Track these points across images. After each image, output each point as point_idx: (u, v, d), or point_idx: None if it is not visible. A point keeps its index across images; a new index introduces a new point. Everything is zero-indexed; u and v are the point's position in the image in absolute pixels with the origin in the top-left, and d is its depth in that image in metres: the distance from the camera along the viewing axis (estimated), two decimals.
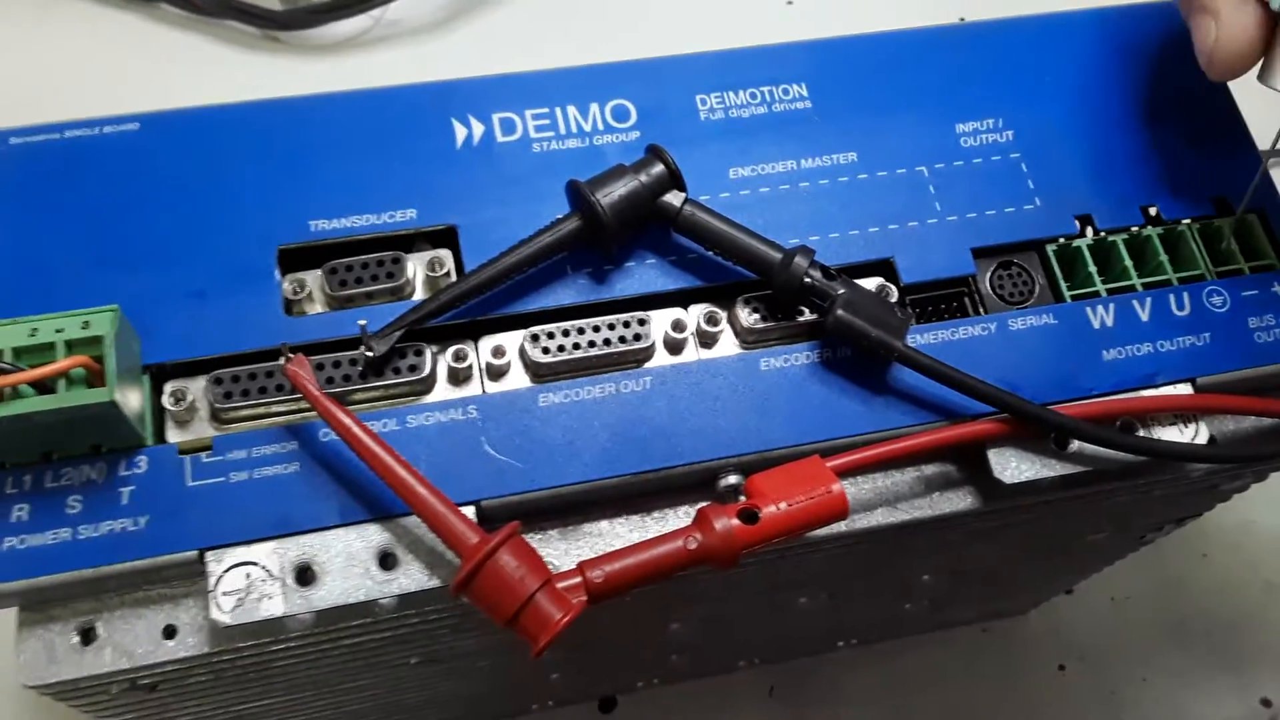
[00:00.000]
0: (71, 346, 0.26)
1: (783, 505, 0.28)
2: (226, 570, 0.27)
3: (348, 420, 0.27)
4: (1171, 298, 0.32)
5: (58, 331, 0.26)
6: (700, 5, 0.66)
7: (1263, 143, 0.34)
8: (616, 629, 0.36)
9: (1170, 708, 0.52)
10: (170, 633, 0.28)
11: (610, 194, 0.30)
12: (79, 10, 0.64)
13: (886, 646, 0.51)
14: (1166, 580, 0.54)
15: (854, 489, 0.31)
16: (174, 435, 0.28)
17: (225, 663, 0.29)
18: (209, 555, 0.27)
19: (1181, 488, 0.34)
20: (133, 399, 0.27)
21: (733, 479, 0.29)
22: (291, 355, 0.27)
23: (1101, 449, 0.30)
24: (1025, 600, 0.51)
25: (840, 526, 0.30)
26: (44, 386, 0.26)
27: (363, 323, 0.28)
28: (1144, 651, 0.53)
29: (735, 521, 0.27)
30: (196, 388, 0.29)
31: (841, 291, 0.30)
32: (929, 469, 0.31)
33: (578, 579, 0.26)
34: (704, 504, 0.28)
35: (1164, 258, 0.32)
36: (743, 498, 0.28)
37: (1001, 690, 0.51)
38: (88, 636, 0.27)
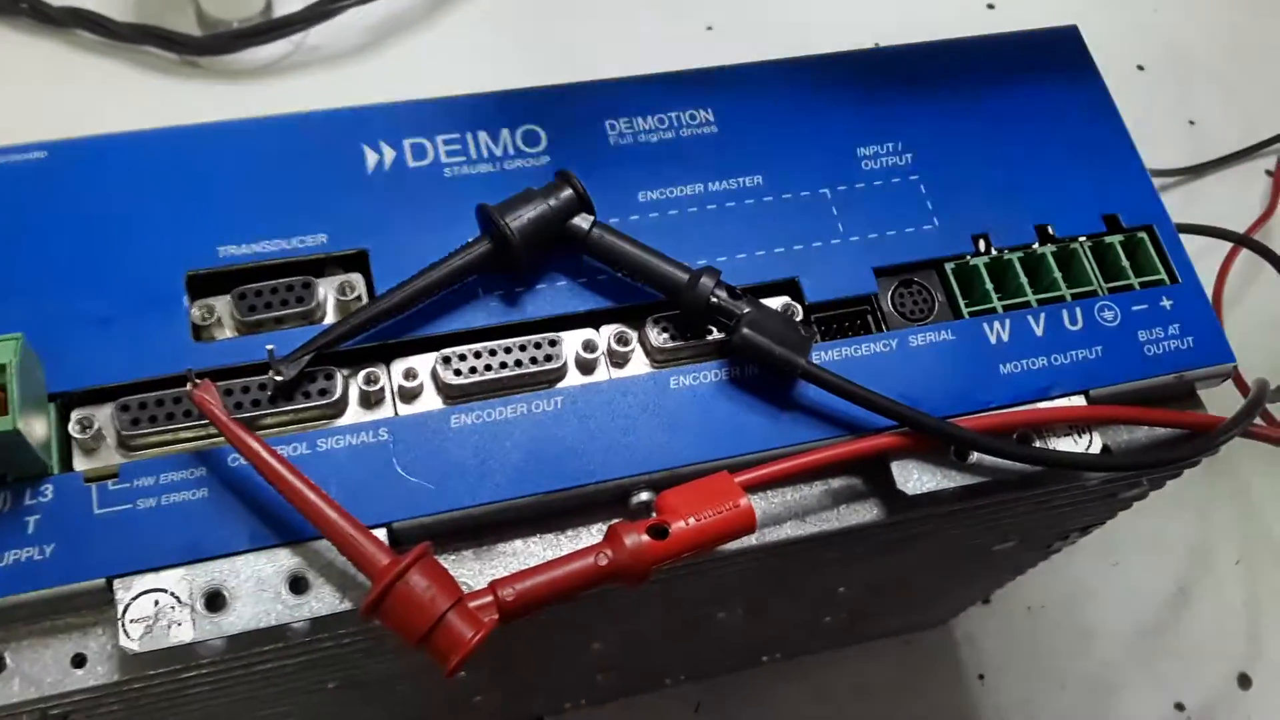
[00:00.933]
0: None
1: (692, 520, 0.28)
2: (134, 598, 0.27)
3: (255, 445, 0.27)
4: (1065, 313, 0.33)
5: None
6: (622, 33, 0.67)
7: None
8: (537, 649, 0.36)
9: (1087, 713, 0.53)
10: (80, 661, 0.27)
11: (519, 217, 0.30)
12: None
13: (810, 660, 0.52)
14: (1080, 589, 0.56)
15: (763, 503, 0.31)
16: (81, 463, 0.28)
17: (136, 691, 0.29)
18: (117, 583, 0.27)
19: (1080, 497, 0.35)
20: (37, 428, 0.27)
21: (644, 496, 0.30)
22: (198, 381, 0.28)
23: (1000, 460, 0.31)
24: (943, 611, 0.52)
25: (750, 540, 0.31)
26: None
27: (270, 347, 0.29)
28: (1061, 659, 0.54)
29: (645, 537, 0.28)
30: (104, 415, 0.29)
31: (747, 310, 0.30)
32: (835, 482, 0.32)
33: (489, 598, 0.27)
34: (614, 523, 0.28)
35: (1058, 274, 0.34)
36: (654, 514, 0.29)
37: (925, 701, 0.52)
38: None
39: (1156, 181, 0.67)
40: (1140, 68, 0.73)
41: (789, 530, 0.31)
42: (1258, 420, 0.34)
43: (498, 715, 0.47)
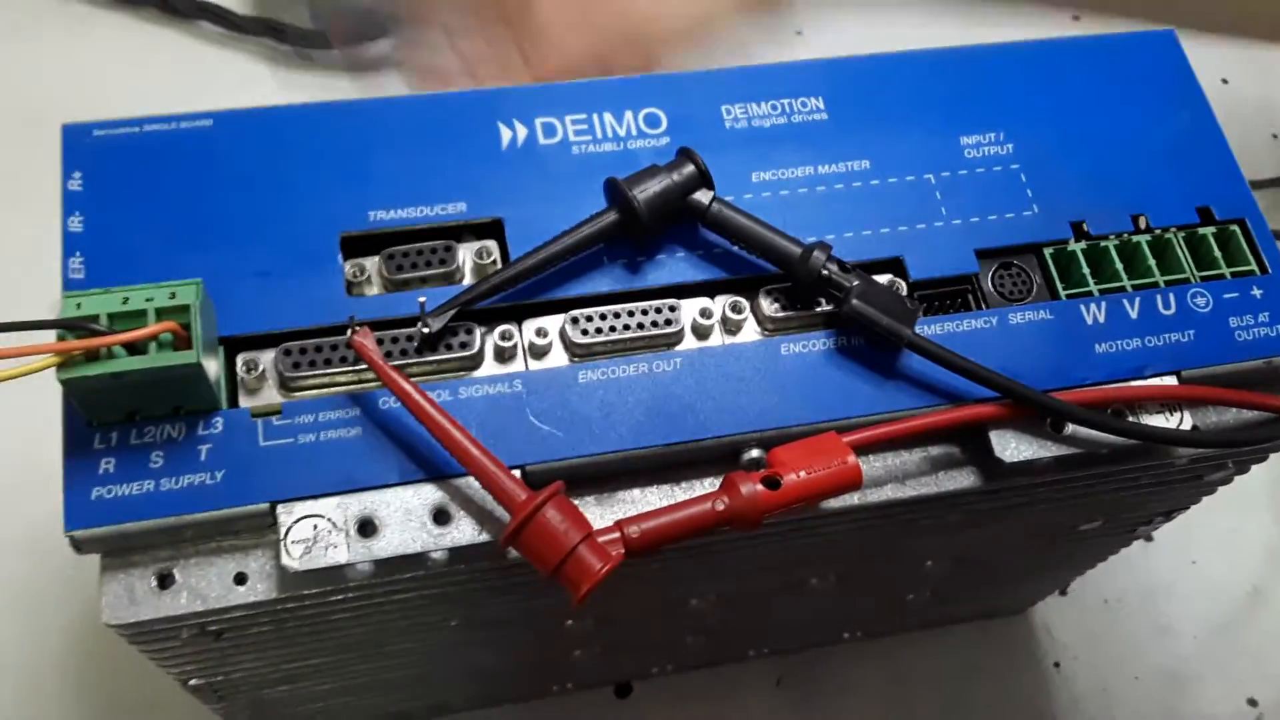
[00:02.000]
0: (160, 314, 0.29)
1: (802, 474, 0.30)
2: (295, 521, 0.29)
3: (407, 387, 0.29)
4: (1159, 298, 0.35)
5: (147, 300, 0.29)
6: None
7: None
8: (640, 603, 0.39)
9: (1161, 705, 0.54)
10: (241, 579, 0.30)
11: (645, 190, 0.32)
12: (119, 23, 0.67)
13: (889, 642, 0.54)
14: (1157, 585, 0.57)
15: (865, 467, 0.33)
16: (245, 401, 0.31)
17: (287, 612, 0.31)
18: (280, 508, 0.30)
19: (1167, 476, 0.36)
20: (211, 365, 0.30)
21: (755, 453, 0.32)
22: (358, 327, 0.30)
23: (1094, 432, 0.33)
24: (1022, 599, 0.53)
25: (853, 499, 0.33)
26: (135, 349, 0.28)
27: (422, 300, 0.31)
28: (1136, 651, 0.55)
29: (759, 487, 0.30)
30: (266, 358, 0.31)
31: (856, 283, 0.32)
32: (935, 450, 0.34)
33: (616, 534, 0.29)
34: (729, 473, 0.30)
35: (1152, 262, 0.35)
36: (766, 468, 0.31)
37: (999, 685, 0.54)
38: (165, 581, 0.30)
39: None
40: (1225, 81, 0.74)
41: (889, 493, 0.33)
42: None
43: (591, 674, 0.50)
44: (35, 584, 0.52)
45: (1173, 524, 0.55)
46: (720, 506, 0.30)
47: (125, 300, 0.29)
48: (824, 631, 0.52)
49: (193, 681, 0.37)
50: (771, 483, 0.30)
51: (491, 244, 0.34)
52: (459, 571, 0.31)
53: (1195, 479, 0.37)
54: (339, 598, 0.31)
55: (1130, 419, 0.33)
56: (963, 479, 0.33)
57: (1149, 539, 0.58)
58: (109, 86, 0.63)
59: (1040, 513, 0.37)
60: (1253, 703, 0.54)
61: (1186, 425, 0.33)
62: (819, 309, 0.34)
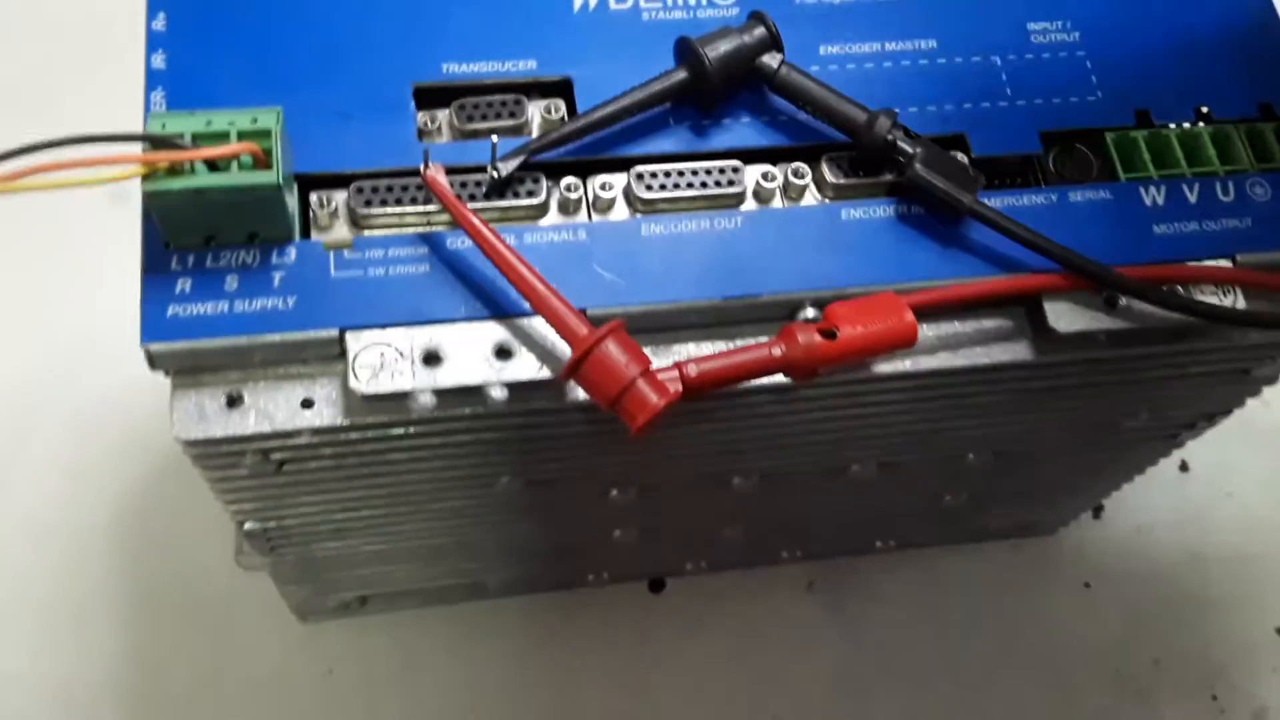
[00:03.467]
0: (243, 136, 0.29)
1: (859, 328, 0.31)
2: (364, 348, 0.30)
3: (477, 222, 0.30)
4: (1218, 185, 0.35)
5: (230, 123, 0.29)
6: None
7: None
8: (688, 470, 0.39)
9: (1189, 629, 0.54)
10: (308, 404, 0.31)
11: (715, 49, 0.33)
12: None
13: (921, 554, 0.54)
14: (1190, 514, 0.57)
15: (920, 335, 0.34)
16: (318, 236, 0.32)
17: (348, 445, 0.32)
18: (349, 335, 0.30)
19: (1215, 364, 0.36)
20: (288, 196, 0.31)
21: (810, 312, 0.32)
22: (431, 164, 0.31)
23: (1147, 308, 0.33)
24: (1056, 518, 0.54)
25: (906, 364, 0.33)
26: (216, 167, 0.29)
27: (494, 139, 0.32)
28: (1166, 576, 0.55)
29: (817, 337, 0.30)
30: (339, 197, 0.32)
31: (920, 150, 0.33)
32: (989, 321, 0.34)
33: (675, 372, 0.30)
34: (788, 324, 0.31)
35: (1212, 152, 0.35)
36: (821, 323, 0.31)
37: (1029, 600, 0.54)
38: (233, 402, 0.31)
39: None
40: None
41: (942, 360, 0.34)
42: None
43: (625, 566, 0.50)
44: (86, 457, 0.54)
45: (1209, 456, 0.56)
46: (778, 352, 0.30)
47: (209, 122, 0.29)
48: (858, 538, 0.53)
49: (248, 525, 0.38)
50: (828, 334, 0.31)
51: (560, 101, 0.34)
52: (516, 413, 0.32)
53: (1242, 373, 0.38)
54: (399, 431, 0.32)
55: (1186, 297, 0.33)
56: (1015, 350, 0.34)
57: (1185, 469, 0.58)
58: None
59: (1087, 398, 0.38)
60: None
61: (1240, 305, 0.33)
62: (881, 178, 0.34)
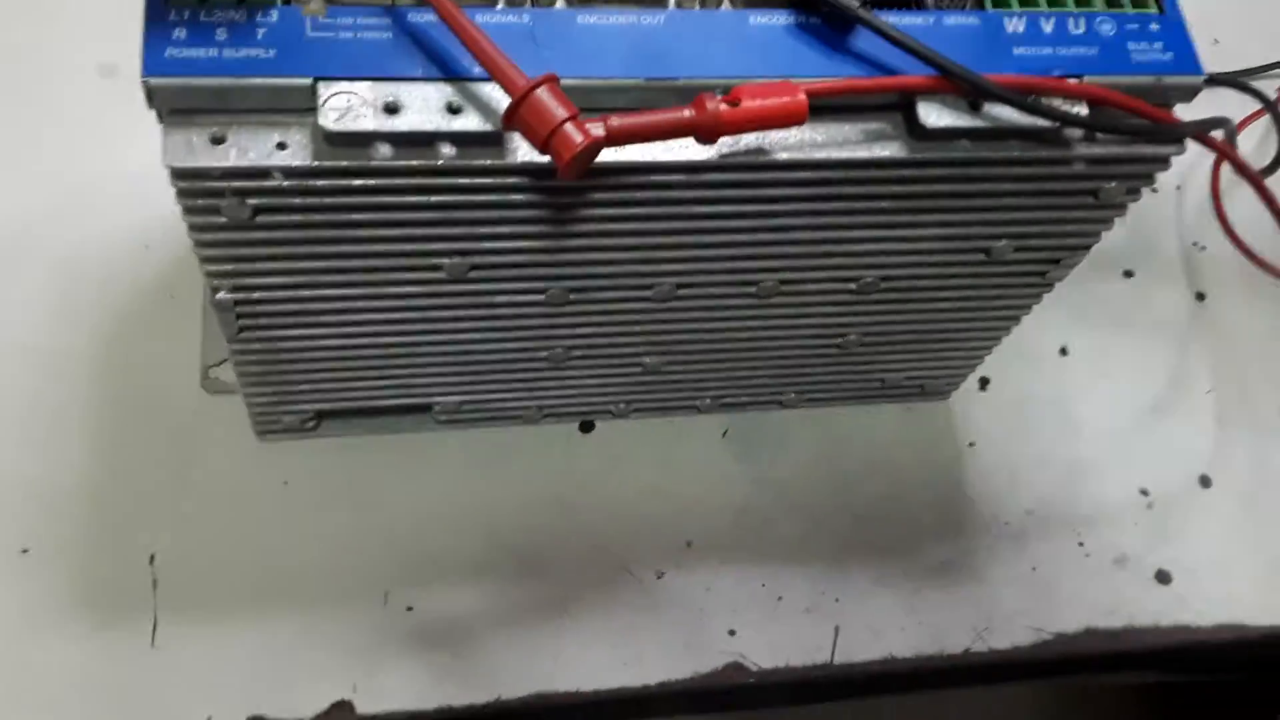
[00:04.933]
0: None
1: (759, 101, 0.36)
2: (333, 94, 0.35)
3: None
4: (1070, 19, 0.41)
5: None
6: None
7: None
8: (610, 270, 0.44)
9: (1061, 488, 0.60)
10: (282, 146, 0.36)
11: None
12: None
13: (826, 411, 0.60)
14: (1068, 391, 0.63)
15: (810, 132, 0.39)
16: (297, 2, 0.37)
17: (315, 197, 0.37)
18: (320, 83, 0.35)
19: (1065, 182, 0.42)
20: None
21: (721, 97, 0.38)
22: None
23: (1006, 111, 0.39)
24: (945, 379, 0.60)
25: (799, 154, 0.39)
26: None
27: None
28: (1043, 442, 0.62)
29: (723, 105, 0.36)
30: None
31: None
32: (872, 122, 0.40)
33: (599, 122, 0.35)
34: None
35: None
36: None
37: (919, 455, 0.60)
38: (218, 140, 0.36)
39: None
40: None
41: (830, 152, 0.39)
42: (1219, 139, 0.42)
43: (560, 402, 0.55)
44: (71, 292, 0.58)
45: (1088, 343, 0.62)
46: (688, 114, 0.36)
47: None
48: (768, 387, 0.58)
49: (220, 294, 0.42)
50: (733, 103, 0.36)
51: None
52: (463, 171, 0.37)
53: (1091, 195, 0.44)
54: (360, 183, 0.37)
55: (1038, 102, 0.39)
56: (892, 147, 0.40)
57: (1065, 353, 0.64)
58: None
59: (958, 215, 0.44)
60: (1144, 492, 0.61)
61: (1083, 113, 0.39)
62: None
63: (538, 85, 0.34)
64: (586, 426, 0.59)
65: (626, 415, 0.58)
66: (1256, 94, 0.68)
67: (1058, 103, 0.40)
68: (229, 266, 0.41)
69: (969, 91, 0.39)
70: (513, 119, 0.35)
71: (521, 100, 0.34)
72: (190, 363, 0.56)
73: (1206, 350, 0.66)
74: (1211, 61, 0.76)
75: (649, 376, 0.54)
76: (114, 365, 0.56)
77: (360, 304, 0.44)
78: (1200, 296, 0.68)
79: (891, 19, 0.40)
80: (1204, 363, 0.66)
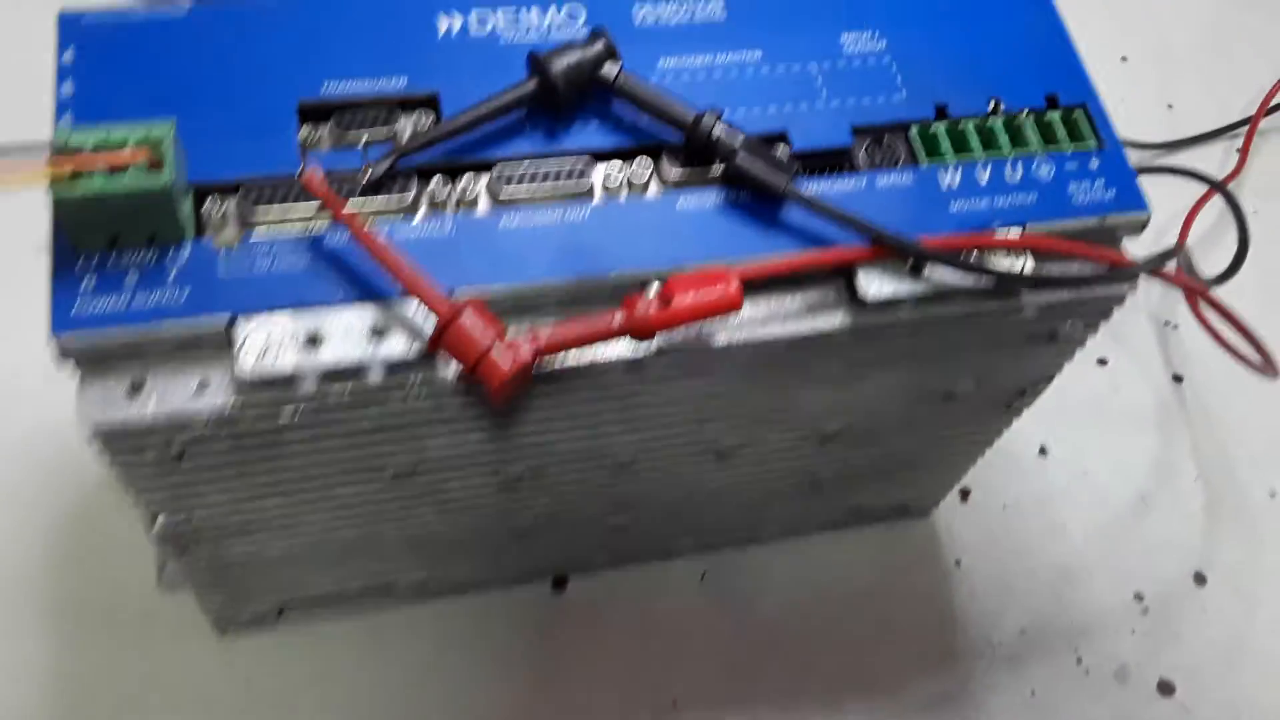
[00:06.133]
0: (139, 144, 0.33)
1: (691, 295, 0.35)
2: (250, 333, 0.34)
3: (349, 213, 0.34)
4: (1007, 166, 0.40)
5: (127, 133, 0.33)
6: None
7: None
8: (566, 450, 0.43)
9: (1053, 598, 0.59)
10: (203, 387, 0.35)
11: (560, 62, 0.38)
12: None
13: (805, 541, 0.58)
14: (1051, 492, 0.62)
15: (750, 309, 0.38)
16: (210, 235, 0.36)
17: (242, 428, 0.36)
18: (237, 321, 0.34)
19: (1019, 325, 0.41)
20: (182, 204, 0.35)
21: (655, 286, 0.37)
22: (309, 167, 0.35)
23: (948, 272, 0.38)
24: (925, 497, 0.58)
25: (740, 334, 0.38)
26: (115, 171, 0.33)
27: (365, 141, 0.36)
28: (1030, 550, 0.60)
29: (654, 304, 0.35)
30: (230, 202, 0.36)
31: (741, 142, 0.37)
32: (811, 294, 0.38)
33: (529, 338, 0.34)
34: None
35: (1005, 139, 0.41)
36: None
37: (905, 580, 0.58)
38: (136, 388, 0.34)
39: (1135, 154, 0.74)
40: (1124, 58, 0.81)
41: (771, 329, 0.38)
42: (1170, 269, 0.41)
43: (528, 563, 0.54)
44: (11, 487, 0.56)
45: (1066, 439, 0.61)
46: (619, 318, 0.35)
47: (108, 134, 0.33)
48: (744, 527, 0.56)
49: (160, 520, 0.41)
50: (664, 300, 0.35)
51: (428, 112, 0.39)
52: (393, 386, 0.36)
53: (1049, 338, 0.43)
54: (289, 409, 0.36)
55: (979, 261, 0.38)
56: (835, 319, 0.38)
57: (1044, 452, 0.63)
58: None
59: (913, 367, 0.42)
60: (1139, 597, 0.59)
61: (1029, 268, 0.38)
62: (713, 173, 0.39)
63: (461, 310, 0.33)
64: (559, 583, 0.57)
65: (599, 568, 0.57)
66: (1201, 178, 0.67)
67: (1001, 256, 0.38)
68: (160, 496, 0.39)
69: (904, 255, 0.38)
70: (438, 344, 0.34)
71: (445, 327, 0.33)
72: (144, 560, 0.54)
73: (1188, 435, 0.65)
74: (1166, 128, 0.77)
75: (618, 532, 0.53)
76: (62, 566, 0.54)
77: (306, 508, 0.43)
78: (1178, 379, 0.67)
79: (823, 184, 0.39)
80: (1187, 448, 0.64)
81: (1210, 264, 0.66)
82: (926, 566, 0.59)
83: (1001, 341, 0.42)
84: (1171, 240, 0.67)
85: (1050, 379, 0.47)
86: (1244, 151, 0.74)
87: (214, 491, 0.40)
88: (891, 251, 0.37)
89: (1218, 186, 0.56)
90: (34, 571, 0.54)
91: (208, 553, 0.44)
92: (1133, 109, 0.77)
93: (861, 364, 0.41)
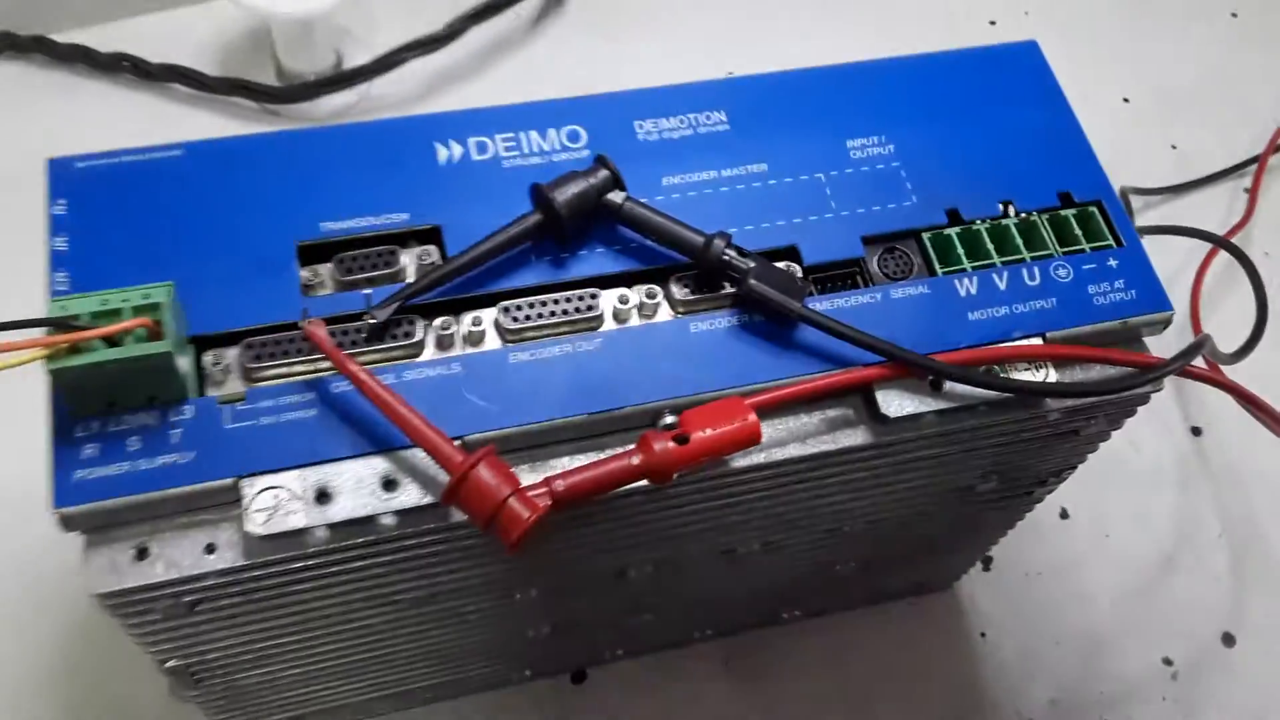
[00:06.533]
0: (136, 311, 0.32)
1: (708, 431, 0.34)
2: (258, 492, 0.33)
3: (355, 367, 0.33)
4: (1024, 271, 0.39)
5: (124, 301, 0.33)
6: (652, 79, 0.75)
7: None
8: (581, 570, 0.42)
9: (1081, 667, 0.58)
10: (211, 549, 0.34)
11: (565, 192, 0.37)
12: (95, 89, 0.72)
13: (827, 621, 0.58)
14: (1073, 558, 0.61)
15: (769, 429, 0.37)
16: (212, 392, 0.35)
17: (254, 580, 0.35)
18: (244, 481, 0.33)
19: (1043, 429, 0.40)
20: (182, 360, 0.34)
21: (669, 419, 0.36)
22: (311, 319, 0.34)
23: (969, 388, 0.37)
24: (947, 573, 0.57)
25: (759, 457, 0.37)
26: (113, 342, 0.32)
27: (368, 292, 0.35)
28: (1056, 619, 0.59)
29: (671, 443, 0.34)
30: (231, 354, 0.35)
31: (753, 265, 0.37)
32: (830, 412, 0.38)
33: (544, 488, 0.33)
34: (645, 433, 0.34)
35: (1019, 241, 0.40)
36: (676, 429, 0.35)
37: (931, 656, 0.58)
38: (143, 553, 0.33)
39: (1140, 199, 0.74)
40: (1126, 100, 0.80)
41: (791, 450, 0.37)
42: (1199, 364, 0.40)
43: (546, 661, 0.53)
44: (26, 597, 0.55)
45: (1087, 501, 0.60)
46: (636, 461, 0.34)
47: (104, 301, 0.32)
48: (765, 611, 0.56)
49: (171, 663, 0.40)
50: (681, 439, 0.34)
51: (432, 248, 0.38)
52: (407, 535, 0.35)
53: (1072, 434, 0.42)
54: (300, 564, 0.35)
55: (1000, 375, 0.37)
56: (855, 436, 0.37)
57: (1065, 515, 0.62)
58: (85, 147, 0.67)
59: (934, 470, 0.41)
60: (1168, 661, 0.58)
61: (1051, 378, 0.37)
62: (723, 293, 0.38)
63: (475, 464, 0.32)
64: (579, 677, 0.56)
65: (620, 659, 0.56)
66: (1206, 236, 0.66)
67: (1023, 367, 0.37)
68: (171, 646, 0.38)
69: (924, 373, 0.37)
70: (453, 498, 0.33)
71: (460, 482, 0.32)
72: (153, 671, 0.53)
73: (1210, 489, 0.64)
74: (1170, 170, 0.76)
75: (639, 625, 0.52)
76: (69, 687, 0.54)
77: (320, 638, 0.42)
78: (1196, 431, 0.66)
79: (838, 300, 0.38)
80: (1209, 504, 0.63)
81: (1224, 311, 0.65)
82: (951, 640, 0.58)
83: (1024, 441, 0.41)
84: (1179, 291, 0.66)
85: (1074, 468, 0.46)
86: (1253, 192, 0.73)
87: (225, 635, 0.39)
88: (912, 370, 0.37)
89: (1224, 244, 0.55)
90: (48, 678, 0.53)
91: (221, 683, 0.43)
92: (1135, 151, 0.77)
93: (881, 471, 0.40)
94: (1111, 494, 0.63)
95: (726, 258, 0.37)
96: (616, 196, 0.37)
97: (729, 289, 0.38)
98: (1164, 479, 0.64)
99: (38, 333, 0.32)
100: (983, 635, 0.58)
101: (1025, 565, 0.60)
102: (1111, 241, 0.40)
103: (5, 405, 0.58)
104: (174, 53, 0.71)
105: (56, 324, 0.32)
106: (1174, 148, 0.78)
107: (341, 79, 0.72)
